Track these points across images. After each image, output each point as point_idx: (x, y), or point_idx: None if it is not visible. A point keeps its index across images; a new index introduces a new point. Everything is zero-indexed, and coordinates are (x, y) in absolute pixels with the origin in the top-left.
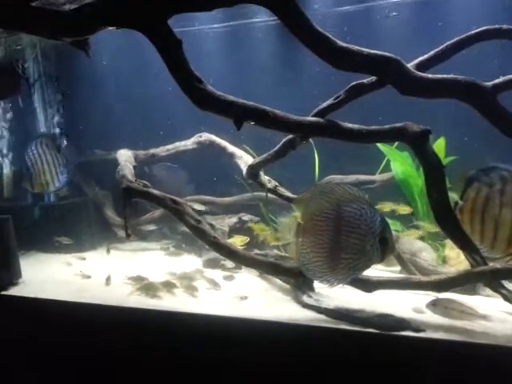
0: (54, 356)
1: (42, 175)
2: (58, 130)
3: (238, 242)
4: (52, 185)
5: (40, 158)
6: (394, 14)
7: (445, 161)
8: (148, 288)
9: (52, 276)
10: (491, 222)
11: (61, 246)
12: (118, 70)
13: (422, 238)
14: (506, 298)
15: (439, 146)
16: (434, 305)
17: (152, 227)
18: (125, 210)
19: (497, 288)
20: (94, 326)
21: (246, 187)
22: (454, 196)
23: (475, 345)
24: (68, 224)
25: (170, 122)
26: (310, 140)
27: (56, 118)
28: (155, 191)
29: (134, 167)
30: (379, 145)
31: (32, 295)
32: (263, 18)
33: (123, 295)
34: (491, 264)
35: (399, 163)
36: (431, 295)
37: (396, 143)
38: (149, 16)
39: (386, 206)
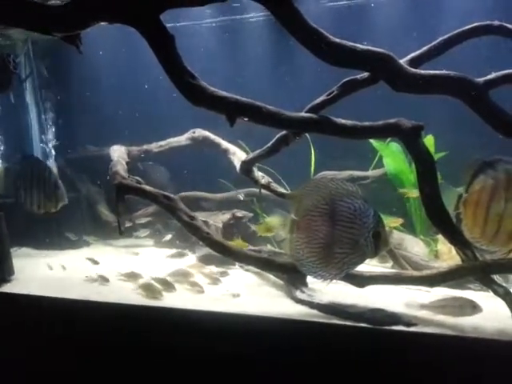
0: (47, 352)
1: None
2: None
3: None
4: None
5: None
6: None
7: (435, 157)
8: (145, 287)
9: (45, 272)
10: (495, 214)
11: (53, 242)
12: (111, 64)
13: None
14: (496, 293)
15: (428, 143)
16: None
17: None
18: (117, 207)
19: (487, 283)
20: (87, 323)
21: (230, 187)
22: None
23: (465, 339)
24: (61, 220)
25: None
26: (307, 136)
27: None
28: (148, 187)
29: (127, 163)
30: (372, 140)
31: (24, 292)
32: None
33: (118, 292)
34: (482, 259)
35: (391, 159)
36: (423, 290)
37: (389, 138)
38: (141, 11)
39: None
